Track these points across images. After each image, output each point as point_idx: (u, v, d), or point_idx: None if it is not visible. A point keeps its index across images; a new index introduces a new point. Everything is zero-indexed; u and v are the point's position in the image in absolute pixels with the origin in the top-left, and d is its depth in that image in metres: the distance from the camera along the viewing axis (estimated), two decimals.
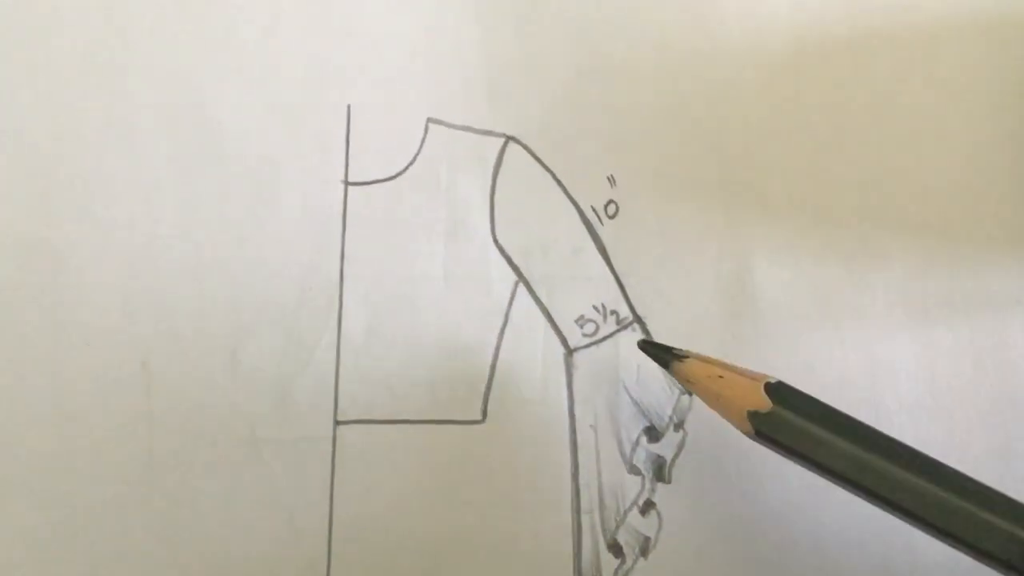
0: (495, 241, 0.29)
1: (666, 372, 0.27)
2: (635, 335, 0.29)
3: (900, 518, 0.24)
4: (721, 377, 0.25)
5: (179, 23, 0.29)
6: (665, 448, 0.29)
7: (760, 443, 0.25)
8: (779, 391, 0.25)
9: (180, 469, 0.27)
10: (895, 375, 0.30)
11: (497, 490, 0.28)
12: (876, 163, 0.31)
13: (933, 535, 0.24)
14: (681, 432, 0.29)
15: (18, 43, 0.28)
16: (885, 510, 0.24)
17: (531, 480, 0.28)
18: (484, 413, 0.28)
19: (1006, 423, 0.29)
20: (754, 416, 0.25)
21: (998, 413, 0.30)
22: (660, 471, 0.29)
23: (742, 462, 0.29)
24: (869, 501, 0.24)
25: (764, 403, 0.25)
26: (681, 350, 0.27)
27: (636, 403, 0.29)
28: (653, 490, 0.29)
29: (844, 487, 0.24)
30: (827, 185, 0.30)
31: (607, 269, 0.29)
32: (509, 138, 0.30)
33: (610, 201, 0.30)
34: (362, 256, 0.29)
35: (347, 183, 0.29)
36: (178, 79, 0.28)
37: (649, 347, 0.27)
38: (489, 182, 0.29)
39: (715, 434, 0.29)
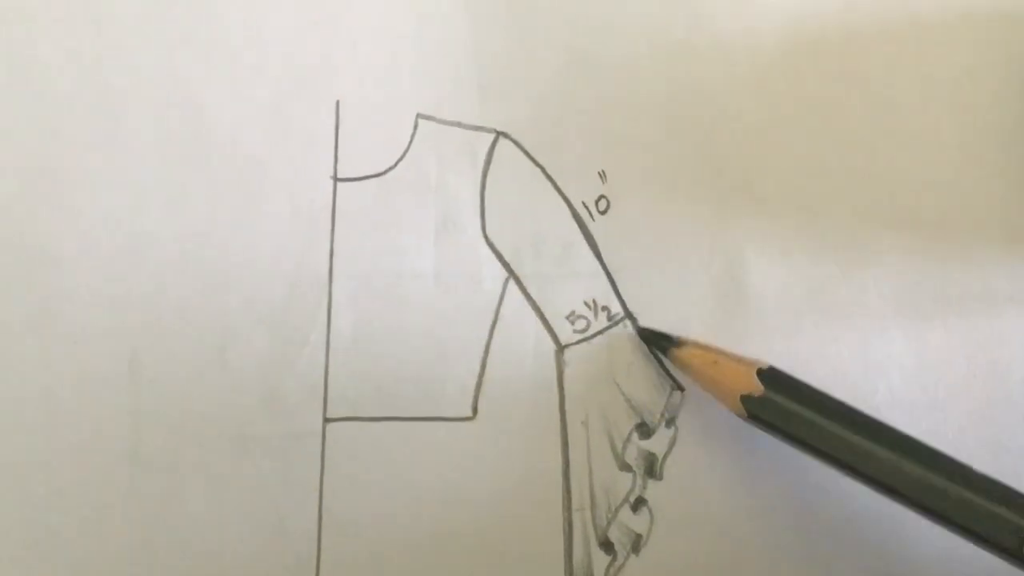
0: (485, 238, 0.29)
1: (663, 358, 0.28)
2: (626, 331, 0.29)
3: (891, 498, 0.25)
4: (716, 363, 0.27)
5: (165, 19, 0.28)
6: (656, 445, 0.29)
7: (753, 425, 0.26)
8: (771, 376, 0.27)
9: (166, 467, 0.27)
10: (888, 372, 0.30)
11: (487, 487, 0.28)
12: (869, 159, 0.30)
13: (921, 514, 0.25)
14: (672, 428, 0.29)
15: (1, 42, 0.28)
16: (878, 491, 0.25)
17: (521, 477, 0.28)
18: (475, 410, 0.28)
19: (999, 420, 0.29)
20: (747, 400, 0.26)
21: (991, 410, 0.29)
22: (651, 468, 0.29)
23: (734, 459, 0.29)
24: (862, 483, 0.26)
25: (757, 387, 0.26)
26: (678, 337, 0.28)
27: (627, 400, 0.29)
28: (644, 487, 0.28)
29: (836, 468, 0.26)
30: (820, 181, 0.30)
31: (598, 265, 0.29)
32: (500, 134, 0.29)
33: (601, 197, 0.30)
34: (351, 253, 0.28)
35: (336, 179, 0.29)
36: (165, 76, 0.28)
37: (648, 334, 0.29)
38: (479, 178, 0.29)
39: (706, 431, 0.29)
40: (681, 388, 0.29)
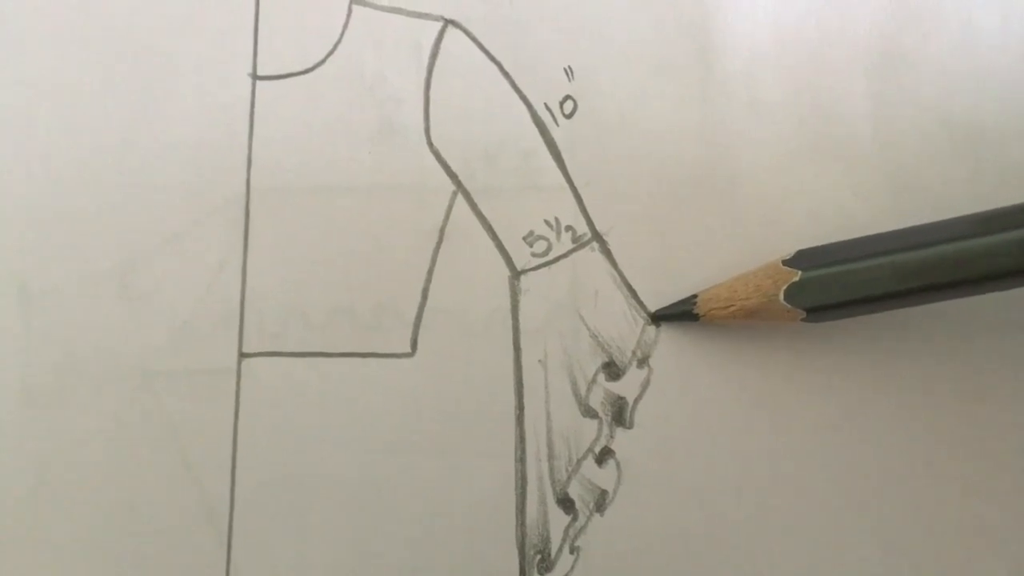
0: (430, 144, 0.25)
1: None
2: (593, 255, 0.25)
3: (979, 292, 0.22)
4: (733, 289, 0.24)
5: None
6: (626, 388, 0.24)
7: (818, 321, 0.23)
8: (799, 257, 0.23)
9: (58, 406, 0.24)
10: None
11: (427, 435, 0.24)
12: None
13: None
14: (645, 369, 0.25)
15: None
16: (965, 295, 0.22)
17: (468, 423, 0.24)
18: (414, 345, 0.24)
19: None
20: (790, 293, 0.23)
21: None
22: (620, 414, 0.24)
23: (713, 405, 0.24)
24: (940, 299, 0.23)
25: (790, 274, 0.23)
26: (691, 298, 0.24)
27: (594, 335, 0.25)
28: (611, 436, 0.24)
29: (920, 302, 0.23)
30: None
31: (562, 177, 0.25)
32: (448, 22, 0.25)
33: (567, 97, 0.25)
34: (273, 163, 0.25)
35: (255, 77, 0.25)
36: None
37: (666, 316, 0.25)
38: (423, 75, 0.25)
39: (684, 372, 0.24)
40: (657, 322, 0.25)
